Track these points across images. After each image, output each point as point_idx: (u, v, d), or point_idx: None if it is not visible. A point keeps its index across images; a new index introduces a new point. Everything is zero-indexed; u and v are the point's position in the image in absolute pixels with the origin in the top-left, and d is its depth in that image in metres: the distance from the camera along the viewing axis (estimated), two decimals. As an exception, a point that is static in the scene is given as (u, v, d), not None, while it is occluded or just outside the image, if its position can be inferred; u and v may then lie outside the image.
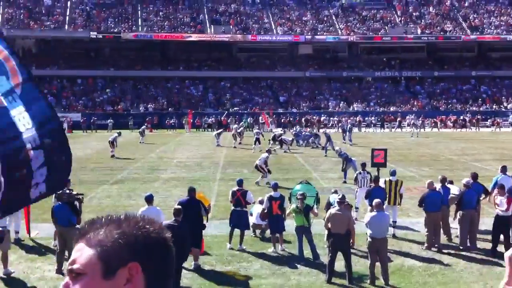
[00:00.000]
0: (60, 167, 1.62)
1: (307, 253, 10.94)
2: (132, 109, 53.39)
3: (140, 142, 35.55)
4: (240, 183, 12.38)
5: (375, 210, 9.83)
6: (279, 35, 62.31)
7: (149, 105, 53.72)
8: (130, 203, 16.24)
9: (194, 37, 59.65)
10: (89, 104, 54.14)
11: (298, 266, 10.64)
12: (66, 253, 10.54)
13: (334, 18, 65.73)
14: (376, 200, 10.16)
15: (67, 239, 10.42)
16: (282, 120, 50.94)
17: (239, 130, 36.26)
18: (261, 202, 12.45)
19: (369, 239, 9.75)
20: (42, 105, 1.61)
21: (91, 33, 57.78)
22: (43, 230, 12.78)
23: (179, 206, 9.83)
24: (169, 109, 53.63)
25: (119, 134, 30.14)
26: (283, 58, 63.75)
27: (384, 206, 12.15)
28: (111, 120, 47.00)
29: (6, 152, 1.46)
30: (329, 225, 9.87)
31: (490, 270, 10.41)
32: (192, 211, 10.27)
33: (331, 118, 51.02)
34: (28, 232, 12.68)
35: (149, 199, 10.73)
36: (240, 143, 34.42)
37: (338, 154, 21.96)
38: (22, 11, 59.10)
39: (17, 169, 1.50)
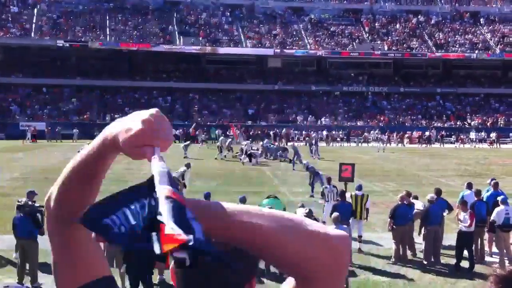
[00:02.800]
0: None
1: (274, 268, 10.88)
2: (98, 119, 52.67)
3: None
4: (207, 196, 12.31)
5: (333, 224, 9.94)
6: (249, 48, 62.60)
7: (116, 115, 53.04)
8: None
9: (163, 48, 59.43)
10: (54, 113, 53.23)
11: (264, 280, 10.59)
12: (28, 265, 10.29)
13: (303, 32, 66.41)
14: (334, 214, 10.29)
15: (28, 252, 10.18)
16: (251, 133, 51.02)
17: (227, 143, 36.04)
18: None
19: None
20: None
21: (58, 41, 57.00)
22: (4, 242, 12.43)
23: None
24: (137, 120, 52.93)
25: None
26: (252, 71, 64.02)
27: (350, 221, 12.27)
28: (77, 130, 46.30)
29: None
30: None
31: (454, 285, 10.55)
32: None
33: (297, 132, 51.30)
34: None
35: None
36: (225, 156, 34.27)
37: (306, 168, 22.09)
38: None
39: None
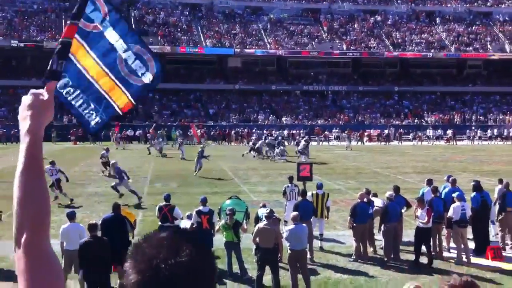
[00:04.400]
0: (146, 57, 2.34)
1: (236, 268, 10.86)
2: (55, 120, 51.49)
3: None
4: (167, 198, 12.13)
5: (293, 223, 9.98)
6: (208, 48, 62.32)
7: (73, 117, 52.00)
8: (53, 219, 15.53)
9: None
10: (9, 115, 51.80)
11: (227, 281, 10.53)
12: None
13: (262, 32, 66.54)
14: (293, 213, 10.34)
15: None
16: (212, 133, 50.82)
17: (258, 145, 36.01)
18: (189, 217, 12.26)
19: (288, 251, 9.90)
20: (123, 25, 2.29)
21: (12, 41, 55.51)
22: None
23: (94, 221, 9.66)
24: (95, 121, 52.06)
25: (107, 150, 26.97)
26: (212, 71, 63.79)
27: (312, 219, 12.33)
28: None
29: (106, 60, 2.29)
30: (257, 239, 9.92)
31: (414, 280, 10.70)
32: (116, 228, 10.00)
33: (259, 131, 51.29)
34: None
35: (71, 216, 10.32)
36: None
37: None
38: None
39: (116, 66, 2.30)
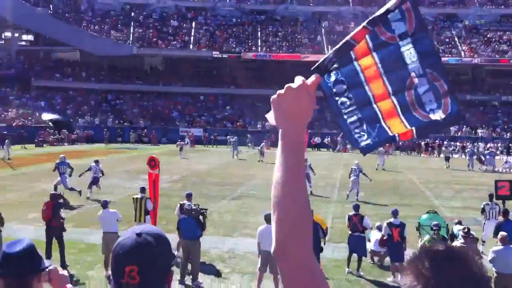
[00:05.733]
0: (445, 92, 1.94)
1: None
2: (250, 126, 54.76)
3: (259, 161, 36.07)
4: (356, 208, 12.24)
5: (500, 244, 9.35)
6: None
7: (266, 123, 54.76)
8: (248, 220, 16.63)
9: (312, 58, 60.05)
10: (210, 120, 56.33)
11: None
12: (189, 265, 11.01)
13: (456, 39, 63.19)
14: (502, 233, 9.67)
15: (191, 252, 10.91)
16: (401, 144, 49.67)
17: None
18: (378, 228, 12.26)
19: (495, 275, 9.27)
20: (427, 44, 1.92)
21: (214, 52, 60.29)
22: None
23: None
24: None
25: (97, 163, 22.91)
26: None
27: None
28: (231, 136, 48.28)
29: (393, 79, 1.95)
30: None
31: None
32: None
33: (452, 143, 48.77)
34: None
35: (105, 204, 11.81)
36: None
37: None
38: (151, 30, 62.97)
39: (403, 91, 1.94)
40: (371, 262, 12.47)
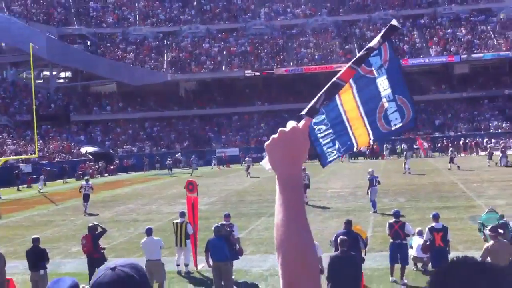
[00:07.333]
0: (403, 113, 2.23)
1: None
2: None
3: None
4: (397, 215, 11.97)
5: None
6: (432, 56, 60.09)
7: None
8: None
9: (344, 67, 59.60)
10: (246, 138, 56.53)
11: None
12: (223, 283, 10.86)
13: (492, 34, 61.84)
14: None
15: (222, 273, 10.64)
16: (439, 145, 48.71)
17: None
18: (419, 234, 11.99)
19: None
20: (398, 74, 2.20)
21: (246, 71, 60.69)
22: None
23: (345, 237, 9.45)
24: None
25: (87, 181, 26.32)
26: (436, 80, 61.25)
27: None
28: (266, 154, 48.32)
29: (369, 108, 2.23)
30: (488, 259, 9.18)
31: None
32: (351, 245, 10.13)
33: (493, 140, 47.42)
34: (196, 265, 13.42)
35: (149, 232, 11.83)
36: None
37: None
38: (183, 55, 63.84)
39: (374, 116, 2.24)
40: (414, 269, 12.19)
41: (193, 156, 46.98)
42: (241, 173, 40.02)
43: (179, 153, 47.26)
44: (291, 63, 62.28)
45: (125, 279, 1.64)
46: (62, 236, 18.73)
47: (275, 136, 1.66)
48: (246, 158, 41.53)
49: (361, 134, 2.27)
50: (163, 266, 11.47)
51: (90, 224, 12.41)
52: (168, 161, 46.48)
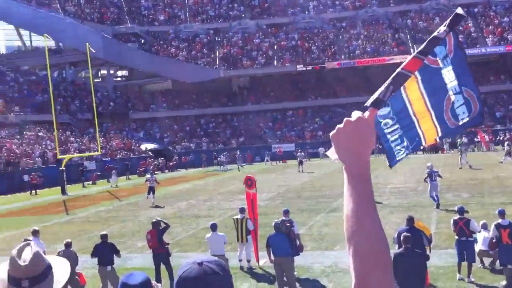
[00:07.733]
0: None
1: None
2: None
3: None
4: (461, 211, 11.77)
5: None
6: (489, 46, 58.15)
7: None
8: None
9: (397, 59, 58.61)
10: (301, 134, 56.46)
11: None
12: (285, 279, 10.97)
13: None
14: None
15: (284, 269, 10.78)
16: (501, 138, 47.18)
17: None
18: (483, 227, 11.78)
19: None
20: (463, 65, 2.14)
21: (298, 66, 60.54)
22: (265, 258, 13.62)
23: (408, 234, 9.35)
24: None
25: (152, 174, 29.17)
26: (494, 70, 59.29)
27: None
28: (322, 148, 48.04)
29: (436, 101, 2.18)
30: None
31: None
32: (413, 242, 10.05)
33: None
34: (257, 260, 13.62)
35: (213, 227, 12.27)
36: None
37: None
38: (235, 51, 64.25)
39: (442, 109, 2.19)
40: (481, 266, 11.96)
41: (238, 152, 47.55)
42: (294, 170, 40.05)
43: (222, 155, 47.79)
44: (342, 56, 61.66)
45: (211, 275, 1.66)
46: (128, 232, 19.35)
47: (341, 126, 1.64)
48: (298, 153, 41.48)
49: (429, 129, 2.23)
50: (227, 262, 11.73)
51: (154, 220, 12.78)
52: (219, 158, 47.40)
